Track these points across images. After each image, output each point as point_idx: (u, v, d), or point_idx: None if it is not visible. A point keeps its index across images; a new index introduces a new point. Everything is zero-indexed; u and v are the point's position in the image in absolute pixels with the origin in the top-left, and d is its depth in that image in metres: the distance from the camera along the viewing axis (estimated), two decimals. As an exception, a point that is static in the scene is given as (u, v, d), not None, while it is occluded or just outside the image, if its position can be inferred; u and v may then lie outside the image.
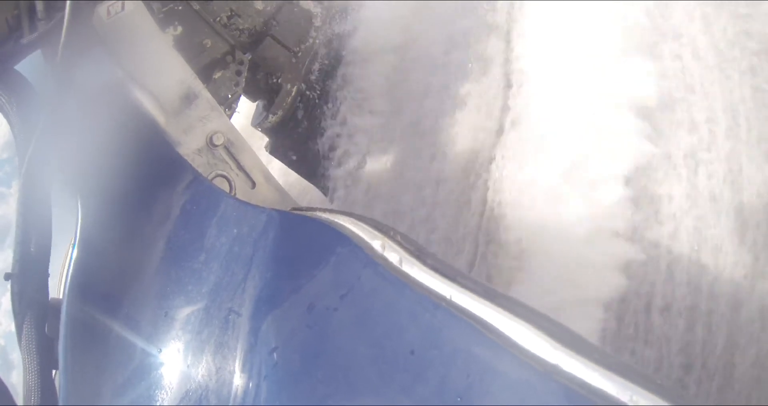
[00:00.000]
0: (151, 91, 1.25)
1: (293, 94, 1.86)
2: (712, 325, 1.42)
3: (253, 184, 1.29)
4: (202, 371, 0.99)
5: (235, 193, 1.25)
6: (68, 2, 1.12)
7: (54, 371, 1.18)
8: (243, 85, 1.68)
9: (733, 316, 1.42)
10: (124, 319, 1.12)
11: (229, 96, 1.64)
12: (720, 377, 1.39)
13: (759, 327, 1.40)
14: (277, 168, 2.07)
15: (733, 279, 1.43)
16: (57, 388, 1.15)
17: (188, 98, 1.28)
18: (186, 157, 1.23)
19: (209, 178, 1.24)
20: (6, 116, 1.21)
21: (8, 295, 1.15)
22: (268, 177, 1.31)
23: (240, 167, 1.28)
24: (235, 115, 1.74)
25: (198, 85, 1.29)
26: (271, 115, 1.84)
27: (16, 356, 1.22)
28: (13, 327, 1.18)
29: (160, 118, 1.25)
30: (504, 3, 1.82)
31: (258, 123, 1.88)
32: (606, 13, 1.61)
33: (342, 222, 0.98)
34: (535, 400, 0.66)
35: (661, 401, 0.60)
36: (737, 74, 1.56)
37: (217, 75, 1.64)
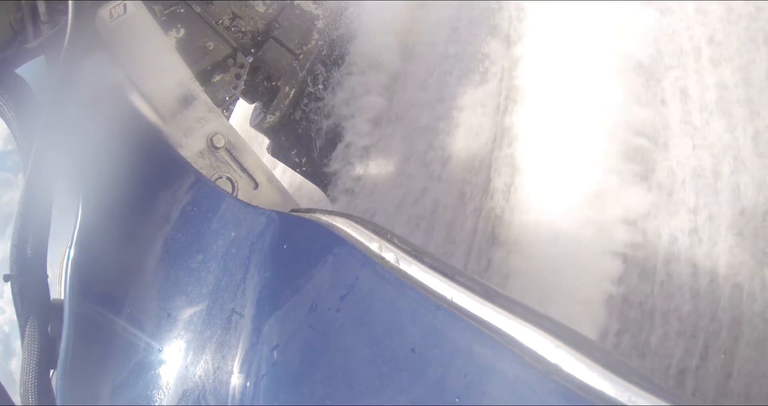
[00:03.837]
0: (150, 93, 1.26)
1: (291, 96, 1.87)
2: (712, 321, 1.42)
3: (256, 185, 1.30)
4: (200, 370, 0.99)
5: (237, 195, 1.26)
6: (71, 3, 1.12)
7: (51, 371, 1.18)
8: (242, 87, 1.69)
9: (732, 319, 1.43)
10: (126, 319, 1.13)
11: (227, 98, 1.65)
12: (719, 375, 1.39)
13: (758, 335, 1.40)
14: (280, 169, 2.08)
15: (731, 281, 1.43)
16: (54, 388, 1.15)
17: (186, 100, 1.28)
18: (188, 160, 1.24)
19: (212, 179, 1.24)
20: (5, 120, 1.22)
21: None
22: (271, 178, 1.32)
23: (243, 169, 1.29)
24: (233, 117, 1.75)
25: (196, 88, 1.30)
26: (269, 116, 1.85)
27: (19, 344, 1.22)
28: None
29: (159, 121, 1.26)
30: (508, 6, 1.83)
31: (256, 124, 1.89)
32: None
33: (339, 224, 0.99)
34: (534, 400, 0.66)
35: (659, 402, 0.60)
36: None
37: (217, 78, 1.65)
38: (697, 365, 1.41)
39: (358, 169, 2.00)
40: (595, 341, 0.69)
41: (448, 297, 0.77)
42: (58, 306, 1.16)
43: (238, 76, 1.68)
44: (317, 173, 2.04)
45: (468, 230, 1.70)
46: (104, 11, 1.24)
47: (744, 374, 1.38)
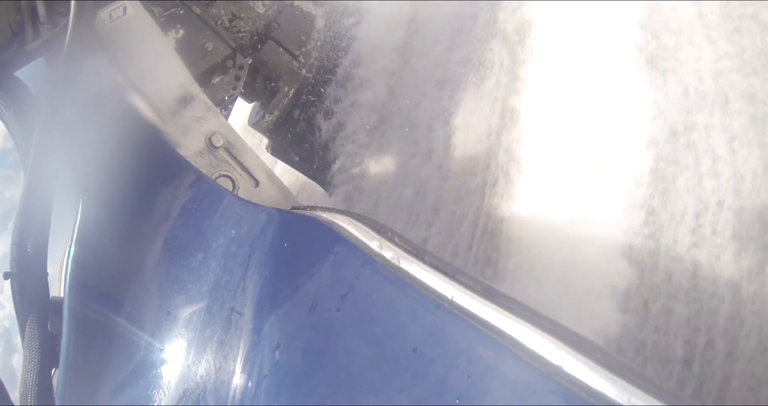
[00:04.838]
0: (149, 94, 1.26)
1: (290, 96, 1.87)
2: (713, 321, 1.42)
3: (257, 184, 1.30)
4: (201, 370, 0.99)
5: (238, 193, 1.26)
6: (72, 4, 1.12)
7: (54, 370, 1.18)
8: (240, 89, 1.69)
9: (733, 320, 1.43)
10: (126, 317, 1.13)
11: (226, 98, 1.66)
12: (720, 375, 1.39)
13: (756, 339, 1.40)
14: (281, 167, 2.09)
15: (732, 283, 1.43)
16: (55, 387, 1.15)
17: (185, 101, 1.29)
18: (188, 159, 1.24)
19: (213, 178, 1.25)
20: (4, 122, 1.22)
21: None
22: (271, 176, 1.32)
23: (243, 168, 1.29)
24: (232, 117, 1.75)
25: (195, 89, 1.30)
26: (267, 115, 1.85)
27: (20, 340, 1.23)
28: None
29: (158, 120, 1.26)
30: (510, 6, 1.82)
31: (254, 123, 1.89)
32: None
33: (340, 222, 0.98)
34: (535, 400, 0.66)
35: (659, 403, 0.60)
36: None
37: (216, 80, 1.65)
38: (699, 368, 1.41)
39: (358, 167, 2.00)
40: (597, 343, 0.69)
41: (449, 296, 0.77)
42: (57, 304, 1.16)
43: (237, 78, 1.68)
44: (317, 171, 2.05)
45: (468, 230, 1.70)
46: (104, 13, 1.24)
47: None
